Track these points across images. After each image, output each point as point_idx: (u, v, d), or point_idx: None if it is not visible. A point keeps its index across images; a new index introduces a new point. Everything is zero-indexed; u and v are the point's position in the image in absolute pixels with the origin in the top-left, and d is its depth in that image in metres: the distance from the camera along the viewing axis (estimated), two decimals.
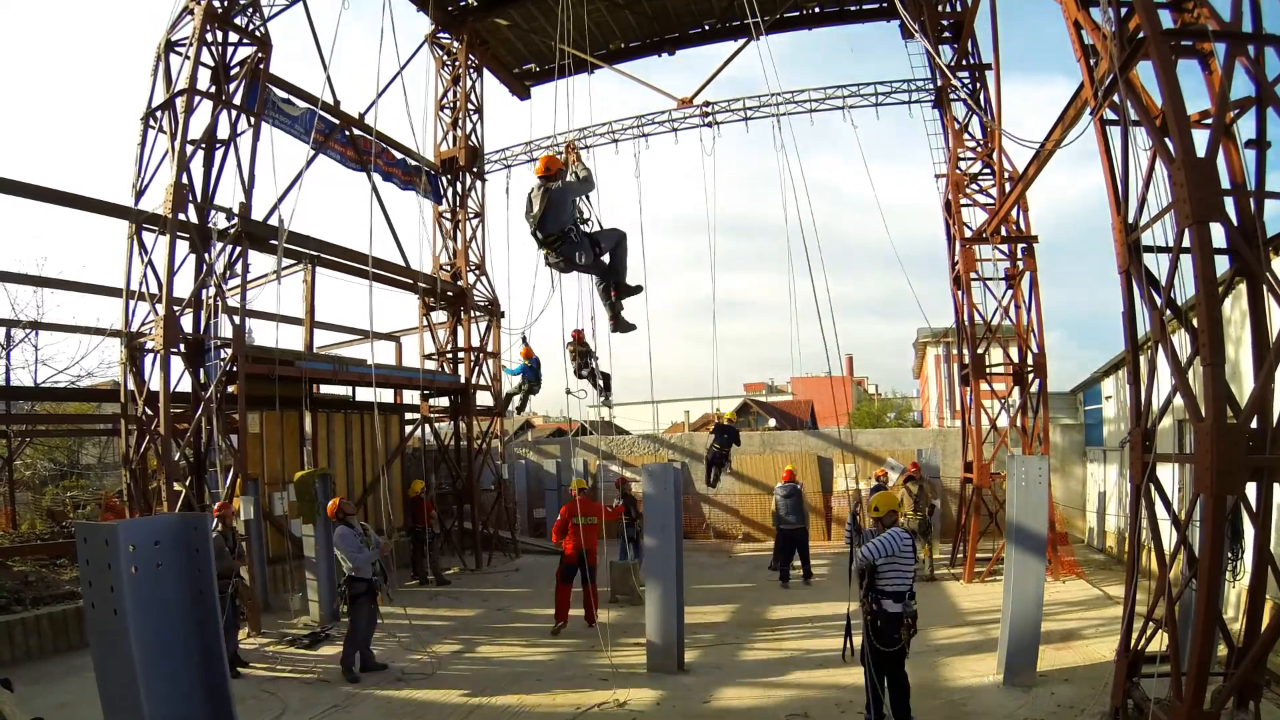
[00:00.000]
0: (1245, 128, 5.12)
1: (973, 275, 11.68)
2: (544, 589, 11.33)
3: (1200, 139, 4.64)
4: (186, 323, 9.37)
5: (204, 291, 9.39)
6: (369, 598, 7.42)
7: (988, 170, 11.98)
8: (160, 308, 8.99)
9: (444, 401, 14.85)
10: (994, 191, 11.71)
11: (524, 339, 12.57)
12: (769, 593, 10.89)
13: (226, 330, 9.42)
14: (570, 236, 6.10)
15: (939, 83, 12.60)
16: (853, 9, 14.73)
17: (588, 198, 6.51)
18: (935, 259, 12.85)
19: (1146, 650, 5.32)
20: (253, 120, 9.89)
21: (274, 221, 10.20)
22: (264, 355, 10.29)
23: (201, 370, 9.38)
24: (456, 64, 15.23)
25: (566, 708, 6.34)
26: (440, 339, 15.01)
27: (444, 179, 15.23)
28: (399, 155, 13.86)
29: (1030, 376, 11.38)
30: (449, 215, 15.39)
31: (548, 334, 62.78)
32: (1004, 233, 11.41)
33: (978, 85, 12.22)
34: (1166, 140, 4.77)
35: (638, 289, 6.68)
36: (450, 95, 15.41)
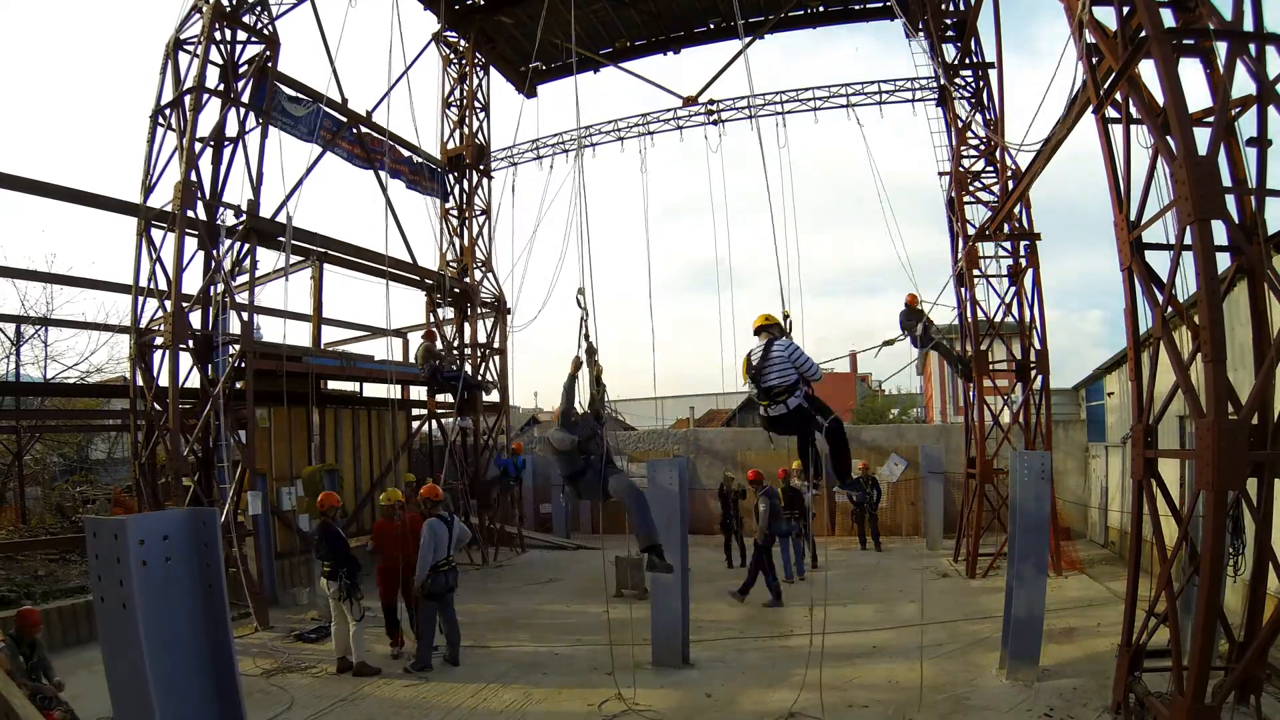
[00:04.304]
0: (1247, 126, 5.13)
1: (976, 272, 11.67)
2: (549, 584, 11.43)
3: (1202, 137, 4.65)
4: (195, 319, 9.48)
5: (212, 288, 9.49)
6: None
7: (991, 168, 11.96)
8: (169, 304, 9.08)
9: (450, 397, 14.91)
10: (997, 189, 11.70)
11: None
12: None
13: (235, 326, 9.51)
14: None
15: (942, 81, 12.57)
16: (856, 8, 14.69)
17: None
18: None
19: (1148, 645, 5.35)
20: (261, 118, 9.96)
21: (281, 218, 10.28)
22: (272, 351, 10.38)
23: (210, 366, 9.48)
24: (463, 62, 15.28)
25: (570, 702, 6.40)
26: (447, 335, 15.07)
27: (451, 176, 15.29)
28: (406, 153, 13.92)
29: (1033, 372, 11.38)
30: (456, 212, 15.45)
31: (547, 332, 62.45)
32: (1007, 229, 11.39)
33: (981, 84, 12.18)
34: (1168, 138, 4.78)
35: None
36: (457, 93, 15.46)
